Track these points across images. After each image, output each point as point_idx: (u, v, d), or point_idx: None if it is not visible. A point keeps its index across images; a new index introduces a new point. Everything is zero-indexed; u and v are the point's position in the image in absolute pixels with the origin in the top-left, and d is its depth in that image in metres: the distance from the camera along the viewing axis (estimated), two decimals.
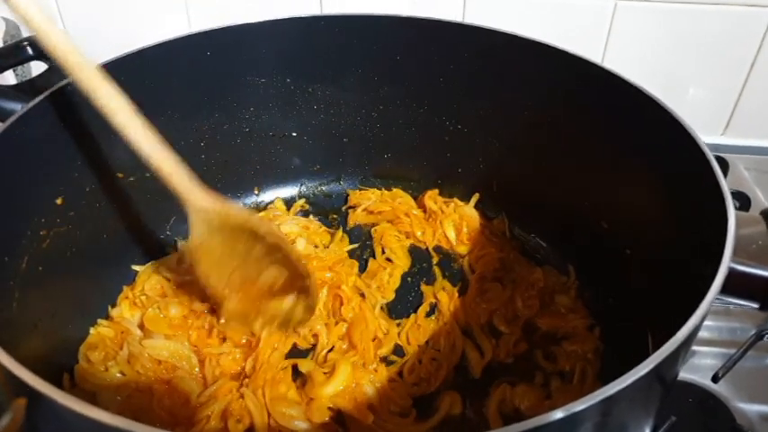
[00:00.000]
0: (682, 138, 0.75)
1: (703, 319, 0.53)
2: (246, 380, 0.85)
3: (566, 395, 0.84)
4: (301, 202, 1.17)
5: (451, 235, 1.08)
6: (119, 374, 0.85)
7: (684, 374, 0.93)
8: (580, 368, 0.87)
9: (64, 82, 0.80)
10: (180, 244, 1.05)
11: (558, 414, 0.46)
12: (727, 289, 0.55)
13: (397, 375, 0.88)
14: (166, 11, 1.31)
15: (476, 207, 1.12)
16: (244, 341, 0.90)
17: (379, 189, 1.17)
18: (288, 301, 0.87)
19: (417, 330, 0.93)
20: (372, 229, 1.11)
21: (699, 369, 0.93)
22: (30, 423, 0.57)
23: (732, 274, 0.56)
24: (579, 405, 0.46)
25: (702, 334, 0.99)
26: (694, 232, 0.70)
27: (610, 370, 0.88)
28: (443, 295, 0.98)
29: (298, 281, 0.85)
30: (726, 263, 0.56)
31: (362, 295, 0.98)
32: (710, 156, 0.70)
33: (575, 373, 0.87)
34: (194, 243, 0.82)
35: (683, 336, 0.50)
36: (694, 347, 0.97)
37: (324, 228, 1.12)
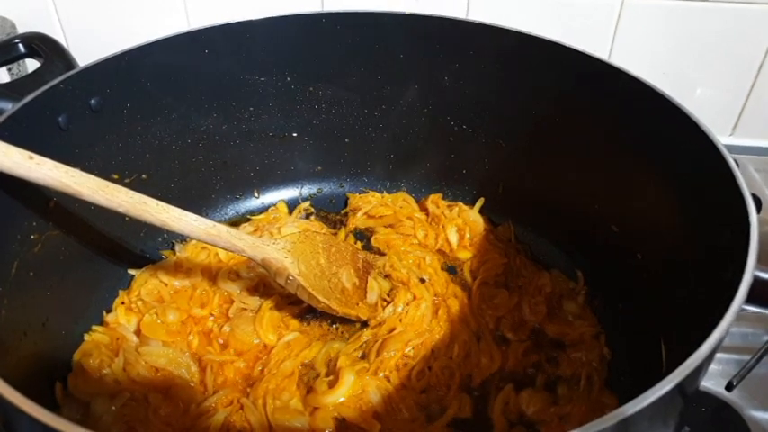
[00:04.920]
0: (696, 138, 0.73)
1: (728, 330, 0.50)
2: (249, 389, 0.83)
3: (573, 402, 0.82)
4: (305, 204, 1.14)
5: (453, 240, 1.05)
6: (114, 382, 0.82)
7: None
8: (586, 375, 0.85)
9: (56, 81, 0.78)
10: (177, 247, 1.02)
11: None
12: (751, 297, 0.52)
13: (406, 380, 0.85)
14: (165, 8, 1.28)
15: (481, 212, 1.09)
16: (248, 349, 0.89)
17: (381, 192, 1.15)
18: (370, 281, 0.98)
19: (427, 335, 0.90)
20: (373, 238, 1.08)
21: (711, 376, 0.91)
22: None
23: (757, 281, 0.53)
24: (600, 425, 0.43)
25: None
26: (711, 236, 0.68)
27: (618, 377, 0.85)
28: (454, 302, 0.95)
29: (363, 265, 1.00)
30: (750, 270, 0.53)
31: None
32: (728, 156, 0.68)
33: (581, 380, 0.84)
34: (300, 279, 0.86)
35: (707, 349, 0.48)
36: None
37: (326, 228, 1.09)
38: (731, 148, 1.29)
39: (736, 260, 0.56)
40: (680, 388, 0.46)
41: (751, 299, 0.52)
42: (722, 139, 1.33)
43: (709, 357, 0.49)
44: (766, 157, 1.30)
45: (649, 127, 0.82)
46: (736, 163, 1.15)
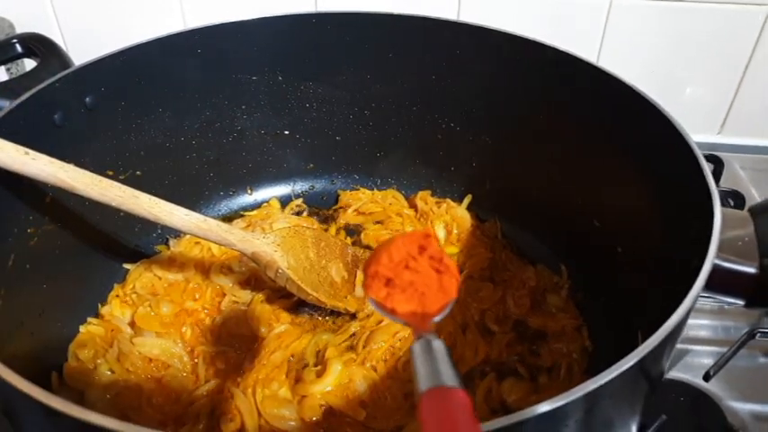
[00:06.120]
0: (671, 135, 0.74)
1: (688, 314, 0.53)
2: (239, 379, 0.85)
3: (552, 390, 0.84)
4: (298, 201, 1.16)
5: (441, 235, 1.08)
6: (108, 372, 0.85)
7: (677, 373, 0.92)
8: (566, 365, 0.87)
9: (52, 79, 0.80)
10: (171, 242, 1.05)
11: (543, 408, 0.46)
12: (711, 285, 0.54)
13: (392, 370, 0.87)
14: (162, 9, 1.31)
15: (468, 209, 1.11)
16: (239, 341, 0.91)
17: (371, 189, 1.17)
18: (359, 275, 1.01)
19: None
20: (363, 234, 1.10)
21: (692, 368, 0.93)
22: (15, 424, 0.57)
23: (717, 270, 0.55)
24: (562, 399, 0.45)
25: (697, 333, 0.99)
26: (683, 230, 0.70)
27: (600, 368, 0.87)
28: None
29: (353, 259, 1.02)
30: (710, 259, 0.55)
31: None
32: (698, 152, 0.69)
33: (561, 369, 0.87)
34: (288, 272, 0.88)
35: (666, 330, 0.50)
36: (688, 346, 0.97)
37: (317, 224, 1.12)
38: (718, 147, 1.34)
39: (701, 250, 0.58)
40: (641, 366, 0.48)
41: (711, 286, 0.54)
42: (710, 137, 1.38)
43: (671, 338, 0.51)
44: (752, 155, 1.33)
45: (629, 125, 0.84)
46: (719, 161, 1.19)
